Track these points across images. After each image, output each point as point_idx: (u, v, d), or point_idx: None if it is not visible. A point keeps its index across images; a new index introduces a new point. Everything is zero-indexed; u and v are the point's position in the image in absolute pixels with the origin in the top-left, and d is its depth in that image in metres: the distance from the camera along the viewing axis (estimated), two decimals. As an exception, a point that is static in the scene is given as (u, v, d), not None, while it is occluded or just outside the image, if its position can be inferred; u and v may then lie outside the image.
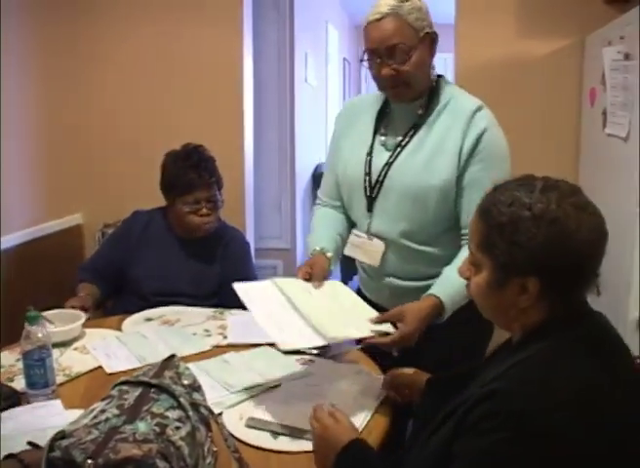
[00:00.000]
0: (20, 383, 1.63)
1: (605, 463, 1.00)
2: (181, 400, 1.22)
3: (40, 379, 1.59)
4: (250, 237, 3.03)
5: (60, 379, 1.70)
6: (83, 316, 2.01)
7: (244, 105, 2.95)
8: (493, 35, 2.71)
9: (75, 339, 1.97)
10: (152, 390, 1.24)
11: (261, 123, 3.76)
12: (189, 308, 2.24)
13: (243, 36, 2.90)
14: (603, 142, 2.39)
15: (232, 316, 2.16)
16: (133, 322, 2.13)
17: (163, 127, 2.98)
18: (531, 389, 1.01)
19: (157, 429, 1.14)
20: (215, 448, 1.23)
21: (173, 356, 1.37)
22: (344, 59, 6.88)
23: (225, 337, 1.98)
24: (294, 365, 1.77)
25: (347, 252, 1.87)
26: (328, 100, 5.17)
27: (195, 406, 1.26)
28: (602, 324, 1.16)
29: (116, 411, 1.18)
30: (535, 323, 1.13)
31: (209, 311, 2.21)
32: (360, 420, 1.46)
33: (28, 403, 1.57)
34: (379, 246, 1.76)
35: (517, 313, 1.14)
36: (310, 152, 4.60)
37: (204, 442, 1.21)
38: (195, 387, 1.32)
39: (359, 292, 1.95)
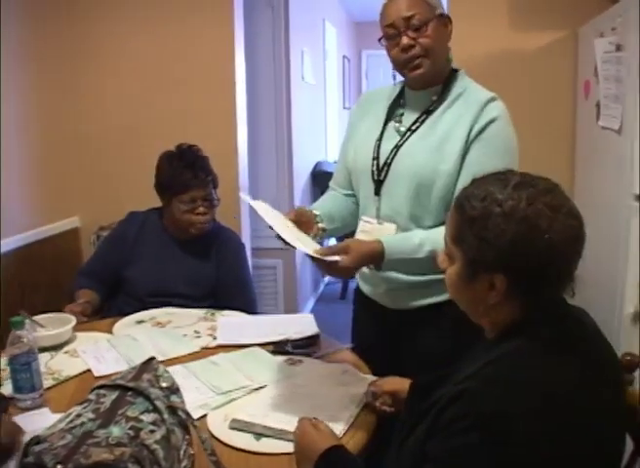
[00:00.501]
0: (9, 388, 1.62)
1: (573, 466, 0.98)
2: (157, 403, 1.21)
3: (26, 383, 1.59)
4: (245, 237, 3.02)
5: (48, 383, 1.70)
6: (73, 320, 2.01)
7: (236, 104, 2.94)
8: (485, 29, 2.68)
9: (66, 343, 1.97)
10: (129, 394, 1.24)
11: (258, 122, 3.75)
12: (181, 309, 2.23)
13: (234, 35, 2.89)
14: (597, 135, 2.36)
15: (223, 317, 2.16)
16: (124, 324, 2.13)
17: (157, 128, 2.97)
18: (500, 390, 0.99)
19: (131, 433, 1.14)
20: (192, 452, 1.22)
21: (152, 358, 1.37)
22: (344, 57, 6.84)
23: (215, 339, 1.97)
24: (282, 365, 1.76)
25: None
26: (327, 98, 5.14)
27: (172, 409, 1.26)
28: (579, 323, 1.14)
29: (92, 416, 1.18)
30: (507, 321, 1.11)
31: (200, 312, 2.21)
32: (344, 420, 1.45)
33: (17, 407, 1.57)
34: (390, 229, 1.73)
35: (487, 308, 1.12)
36: (309, 150, 4.59)
37: (180, 445, 1.21)
38: (173, 390, 1.31)
39: (357, 288, 1.94)
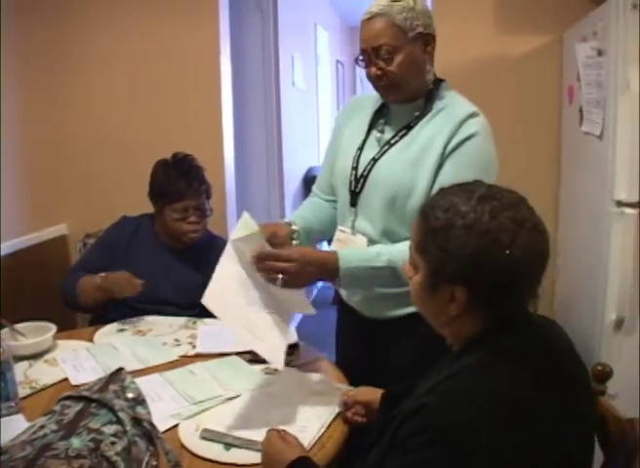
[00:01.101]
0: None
1: None
2: (120, 414, 1.21)
3: (1, 393, 1.58)
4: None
5: (25, 392, 1.69)
6: (54, 328, 2.00)
7: (222, 111, 2.93)
8: (469, 33, 2.67)
9: (46, 351, 1.96)
10: (93, 405, 1.24)
11: (248, 127, 3.75)
12: (163, 317, 2.23)
13: (219, 39, 2.88)
14: (581, 141, 2.35)
15: (204, 326, 2.15)
16: (105, 333, 2.13)
17: (144, 136, 2.96)
18: (459, 404, 0.98)
19: (91, 445, 1.13)
20: (154, 463, 1.21)
21: (120, 369, 1.37)
22: (337, 61, 6.82)
23: (194, 347, 1.97)
24: (258, 374, 1.75)
25: (333, 247, 1.84)
26: (319, 104, 5.11)
27: (137, 420, 1.25)
28: (544, 334, 1.13)
29: (54, 427, 1.18)
30: (470, 333, 1.11)
31: (182, 320, 2.20)
32: (315, 430, 1.44)
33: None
34: (361, 242, 1.73)
35: (448, 320, 1.12)
36: (301, 156, 4.58)
37: (142, 456, 1.20)
38: (139, 401, 1.30)
39: (337, 293, 1.94)
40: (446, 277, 1.07)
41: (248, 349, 1.89)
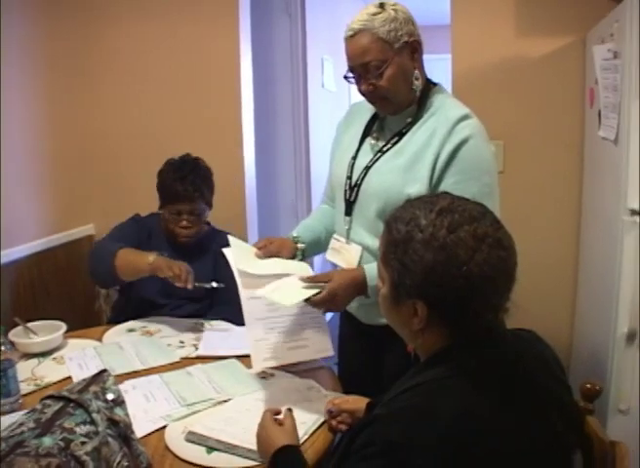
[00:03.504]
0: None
1: None
2: (94, 415, 1.23)
3: (2, 389, 1.63)
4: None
5: (30, 389, 1.75)
6: (64, 327, 2.06)
7: (242, 113, 2.94)
8: (490, 35, 2.61)
9: (56, 349, 2.01)
10: (71, 405, 1.26)
11: (276, 130, 3.77)
12: (172, 319, 2.26)
13: (240, 44, 2.90)
14: (599, 146, 2.27)
15: (209, 327, 2.17)
16: (115, 332, 2.17)
17: (169, 137, 3.01)
18: (407, 419, 0.97)
19: (61, 444, 1.16)
20: (126, 463, 1.23)
21: (104, 371, 1.40)
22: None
23: (197, 349, 1.99)
24: (254, 379, 1.76)
25: (328, 256, 1.86)
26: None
27: (113, 421, 1.27)
28: (511, 352, 1.09)
29: (32, 425, 1.21)
30: (434, 347, 1.08)
31: (190, 322, 2.23)
32: (299, 436, 1.44)
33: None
34: (356, 251, 1.73)
35: (413, 334, 1.10)
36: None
37: (114, 457, 1.22)
38: (118, 402, 1.33)
39: None
40: (406, 291, 1.06)
41: (247, 353, 1.92)
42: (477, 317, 1.04)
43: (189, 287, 2.05)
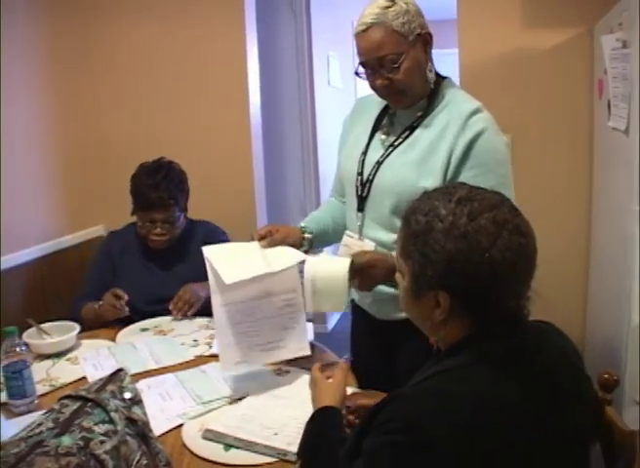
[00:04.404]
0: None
1: None
2: (112, 414, 1.23)
3: (19, 390, 1.65)
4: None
5: (45, 389, 1.76)
6: (77, 328, 2.06)
7: (250, 112, 2.95)
8: (497, 28, 2.60)
9: (70, 350, 2.02)
10: (89, 404, 1.26)
11: (282, 128, 3.77)
12: (184, 317, 2.26)
13: (246, 42, 2.90)
14: (609, 136, 2.26)
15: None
16: (128, 332, 2.18)
17: (177, 137, 3.02)
18: (428, 400, 0.98)
19: (81, 443, 1.16)
20: (145, 462, 1.23)
21: (120, 370, 1.40)
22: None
23: (211, 347, 1.99)
24: (267, 375, 1.76)
25: (340, 252, 1.84)
26: (358, 102, 5.09)
27: (132, 420, 1.27)
28: (534, 341, 1.09)
29: (51, 424, 1.21)
30: (457, 338, 1.08)
31: (203, 321, 2.23)
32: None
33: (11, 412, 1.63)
34: (369, 247, 1.73)
35: (435, 326, 1.10)
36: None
37: (133, 456, 1.22)
38: (136, 401, 1.33)
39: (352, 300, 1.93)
40: (428, 282, 1.05)
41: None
42: (500, 304, 1.04)
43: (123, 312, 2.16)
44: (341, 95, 4.51)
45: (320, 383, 1.38)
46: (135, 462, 1.22)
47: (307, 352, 1.72)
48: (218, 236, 2.42)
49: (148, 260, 2.40)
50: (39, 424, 1.22)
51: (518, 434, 0.97)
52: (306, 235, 1.81)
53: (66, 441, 1.15)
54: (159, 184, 2.26)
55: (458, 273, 1.01)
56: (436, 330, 1.11)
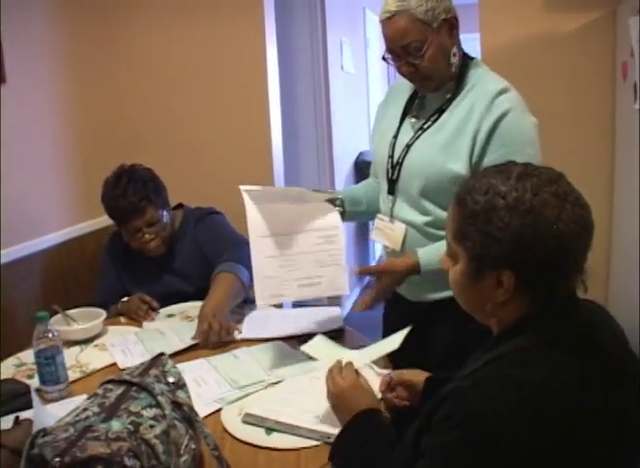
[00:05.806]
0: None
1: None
2: (160, 398, 1.23)
3: (51, 376, 1.64)
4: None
5: (76, 375, 1.76)
6: (104, 314, 2.06)
7: (269, 99, 2.94)
8: (518, 12, 2.58)
9: (96, 336, 2.02)
10: (134, 389, 1.26)
11: (297, 113, 3.76)
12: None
13: (265, 31, 2.89)
14: (635, 119, 2.25)
15: (250, 311, 2.17)
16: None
17: (192, 128, 3.01)
18: (490, 389, 0.97)
19: (131, 427, 1.15)
20: (193, 446, 1.23)
21: (161, 354, 1.39)
22: (387, 45, 6.74)
23: (240, 332, 1.98)
24: (301, 359, 1.75)
25: (373, 236, 1.87)
26: (369, 88, 5.03)
27: (177, 404, 1.27)
28: (589, 320, 1.08)
29: (97, 409, 1.20)
30: (515, 318, 1.07)
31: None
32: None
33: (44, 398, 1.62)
34: (400, 229, 1.73)
35: (494, 307, 1.08)
36: (351, 140, 4.56)
37: (181, 440, 1.22)
38: (180, 385, 1.33)
39: None
40: (491, 262, 1.04)
41: (292, 334, 1.92)
42: (563, 280, 1.04)
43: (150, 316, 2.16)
44: (354, 80, 4.49)
45: (362, 385, 1.36)
46: (183, 446, 1.21)
47: (346, 291, 1.74)
48: (208, 219, 2.37)
49: (152, 257, 2.33)
50: (84, 409, 1.21)
51: (580, 419, 0.96)
52: (339, 196, 1.82)
53: (116, 426, 1.15)
54: (126, 191, 2.18)
55: (525, 249, 1.00)
56: (494, 312, 1.10)
